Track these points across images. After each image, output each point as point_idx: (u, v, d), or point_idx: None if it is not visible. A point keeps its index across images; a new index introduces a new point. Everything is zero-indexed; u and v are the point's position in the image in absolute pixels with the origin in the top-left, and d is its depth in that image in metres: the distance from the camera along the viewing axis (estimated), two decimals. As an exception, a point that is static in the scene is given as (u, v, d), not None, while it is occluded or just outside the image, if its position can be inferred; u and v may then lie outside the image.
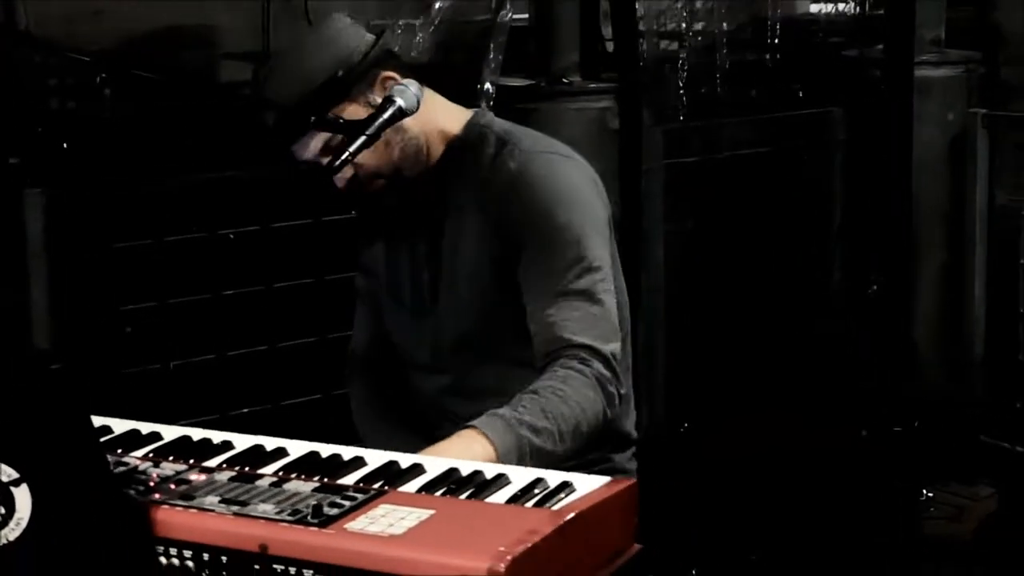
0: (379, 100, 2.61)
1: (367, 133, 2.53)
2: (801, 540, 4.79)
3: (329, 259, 4.28)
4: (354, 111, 2.63)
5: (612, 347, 2.59)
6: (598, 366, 2.53)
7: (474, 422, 2.38)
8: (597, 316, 2.59)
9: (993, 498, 5.16)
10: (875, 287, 5.37)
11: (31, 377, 1.71)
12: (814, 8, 5.79)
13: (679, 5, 4.83)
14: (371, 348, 2.98)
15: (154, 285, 4.05)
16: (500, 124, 2.77)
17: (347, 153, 2.50)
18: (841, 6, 5.68)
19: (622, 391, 2.61)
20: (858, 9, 5.50)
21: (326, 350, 4.26)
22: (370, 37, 2.69)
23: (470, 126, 2.75)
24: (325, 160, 2.63)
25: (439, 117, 2.74)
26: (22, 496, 1.74)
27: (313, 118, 2.60)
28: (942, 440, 5.20)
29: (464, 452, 2.24)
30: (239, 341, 4.21)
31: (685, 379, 4.95)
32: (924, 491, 5.07)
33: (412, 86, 2.61)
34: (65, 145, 3.95)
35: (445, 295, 2.74)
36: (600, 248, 2.64)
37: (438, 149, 2.74)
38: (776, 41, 5.11)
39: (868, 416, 5.14)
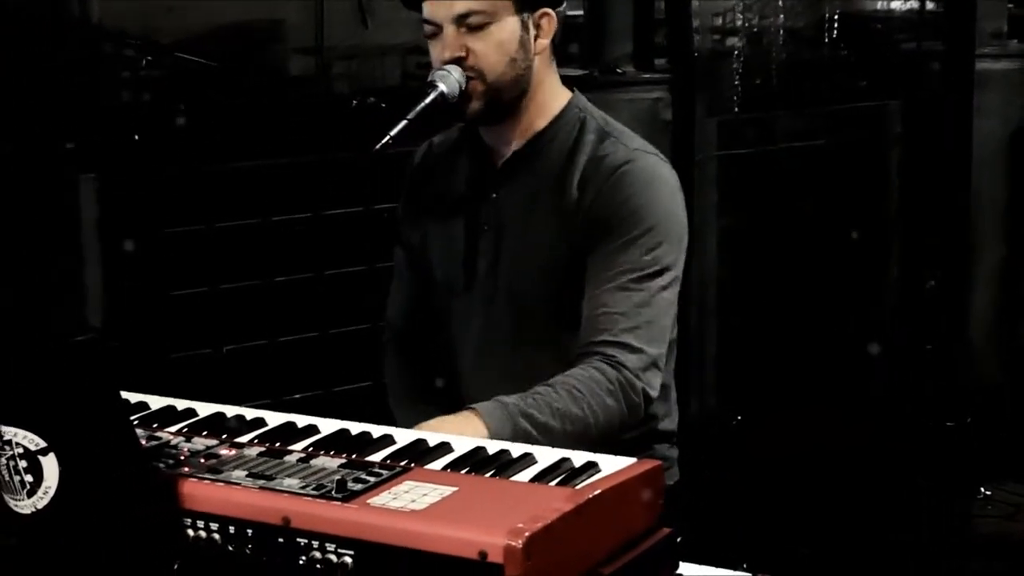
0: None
1: (408, 118, 2.54)
2: (851, 536, 4.77)
3: (380, 247, 4.29)
4: (507, 15, 2.61)
5: (656, 353, 2.57)
6: (629, 372, 2.52)
7: (477, 405, 2.38)
8: (650, 319, 2.58)
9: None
10: (932, 282, 5.33)
11: (58, 348, 1.73)
12: (871, 4, 5.75)
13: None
14: (412, 322, 2.95)
15: (205, 271, 4.09)
16: (598, 112, 2.75)
17: (388, 137, 2.51)
18: (899, 2, 5.63)
19: (653, 395, 2.58)
20: (918, 3, 5.45)
21: (377, 337, 4.26)
22: None
23: (570, 107, 2.73)
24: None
25: (550, 86, 2.73)
26: (50, 465, 1.76)
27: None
28: (998, 437, 5.15)
29: (457, 432, 2.22)
30: (290, 327, 4.24)
31: (737, 372, 4.93)
32: (982, 489, 5.02)
33: (455, 71, 2.61)
34: (136, 137, 3.99)
35: (504, 268, 2.71)
36: (675, 257, 2.63)
37: (538, 120, 2.71)
38: (834, 35, 5.08)
39: (922, 412, 5.12)
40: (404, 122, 2.54)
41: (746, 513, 4.47)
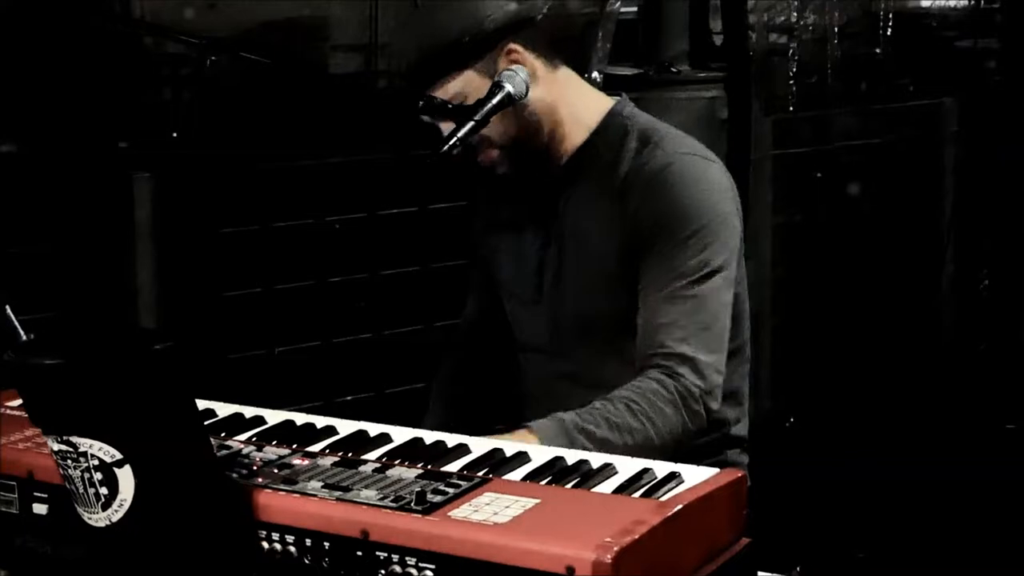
0: (504, 71, 2.57)
1: (475, 119, 2.51)
2: (908, 539, 4.72)
3: (435, 247, 4.28)
4: (477, 79, 2.58)
5: (714, 359, 2.53)
6: (688, 381, 2.48)
7: (532, 423, 2.35)
8: (705, 325, 2.54)
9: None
10: (987, 281, 5.28)
11: (135, 357, 1.70)
12: (925, 2, 5.69)
13: (789, -2, 4.78)
14: (479, 323, 2.96)
15: (260, 271, 4.06)
16: (643, 117, 2.71)
17: (455, 138, 2.48)
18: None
19: (714, 405, 2.53)
20: (972, 1, 5.39)
21: (431, 338, 4.25)
22: (512, 6, 2.62)
23: (612, 116, 2.69)
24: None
25: (574, 100, 2.68)
26: (125, 477, 1.73)
27: (421, 103, 2.58)
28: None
29: None
30: (344, 328, 4.21)
31: (791, 373, 4.89)
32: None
33: (521, 72, 2.58)
34: (175, 135, 3.97)
35: (569, 281, 2.69)
36: (725, 257, 2.57)
37: (575, 134, 2.68)
38: (888, 33, 5.03)
39: (980, 412, 5.06)
40: (471, 123, 2.51)
41: (800, 516, 4.42)
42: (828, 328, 4.97)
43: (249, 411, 2.26)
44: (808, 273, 4.91)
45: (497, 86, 2.56)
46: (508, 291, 2.84)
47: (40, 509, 1.99)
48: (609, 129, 2.68)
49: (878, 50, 5.08)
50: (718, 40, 4.82)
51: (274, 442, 2.07)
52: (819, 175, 4.90)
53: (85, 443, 1.71)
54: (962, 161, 5.28)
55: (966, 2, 5.50)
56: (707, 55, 4.74)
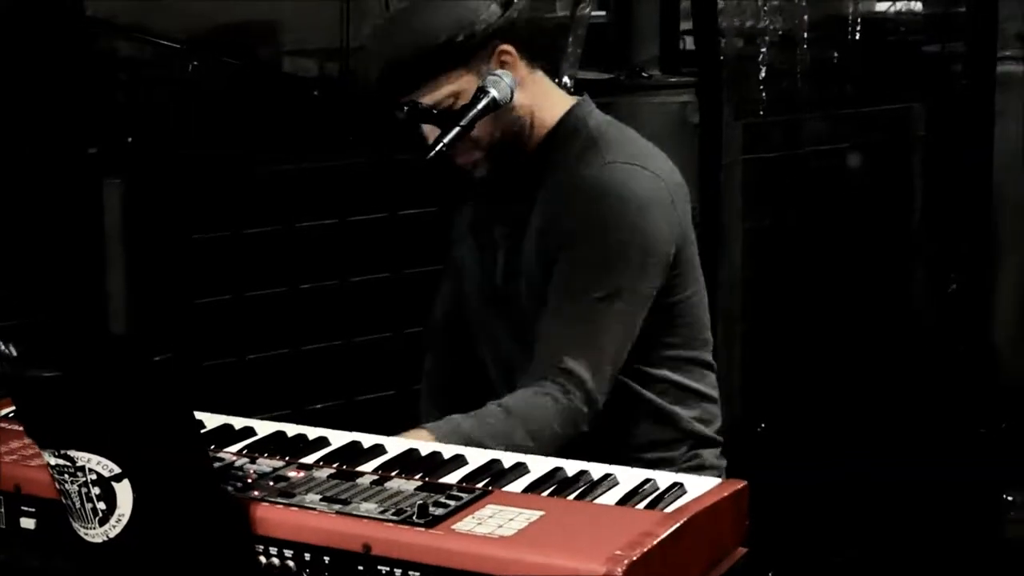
0: (489, 76, 2.55)
1: (461, 124, 2.49)
2: (880, 543, 4.73)
3: (405, 253, 4.24)
4: (468, 81, 2.56)
5: (605, 384, 2.51)
6: (578, 400, 2.47)
7: (430, 424, 2.34)
8: (601, 349, 2.52)
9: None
10: (955, 285, 5.28)
11: (136, 369, 1.67)
12: (887, 6, 5.70)
13: (759, 2, 4.76)
14: (447, 324, 2.93)
15: (231, 277, 4.02)
16: (596, 119, 2.68)
17: (441, 144, 2.46)
18: (911, 4, 5.58)
19: (585, 428, 2.51)
20: (941, 6, 5.41)
21: (401, 345, 4.23)
22: (495, 7, 2.60)
23: (567, 117, 2.67)
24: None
25: (543, 102, 2.66)
26: (123, 492, 1.69)
27: (406, 108, 2.55)
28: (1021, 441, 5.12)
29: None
30: (315, 335, 4.17)
31: (762, 379, 4.88)
32: (1004, 495, 4.99)
33: (506, 77, 2.56)
34: (130, 139, 3.91)
35: (515, 285, 2.68)
36: (634, 278, 2.54)
37: (537, 136, 2.66)
38: (857, 37, 5.03)
39: (949, 416, 5.07)
40: (457, 129, 2.49)
41: (773, 521, 4.41)
42: (798, 333, 4.96)
43: (238, 422, 2.23)
44: (778, 278, 4.90)
45: (482, 91, 2.54)
46: (468, 292, 2.83)
47: (28, 523, 1.96)
48: (561, 131, 2.66)
49: (846, 55, 5.08)
50: (689, 44, 4.81)
51: (266, 454, 2.04)
52: (789, 179, 4.89)
53: (83, 457, 1.68)
54: (929, 165, 5.28)
55: (933, 7, 5.51)
56: (678, 60, 4.73)
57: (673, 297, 2.63)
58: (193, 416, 1.73)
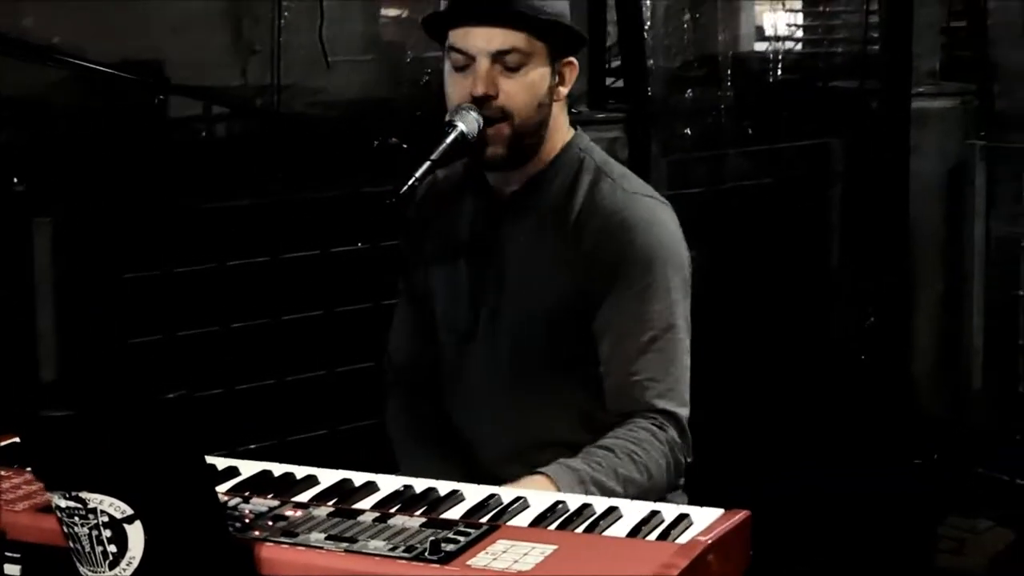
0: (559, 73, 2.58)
1: (431, 159, 2.47)
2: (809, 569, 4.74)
3: (336, 290, 4.21)
4: (542, 72, 2.56)
5: (687, 411, 2.55)
6: (672, 433, 2.50)
7: (546, 469, 2.32)
8: (678, 379, 2.54)
9: (992, 531, 5.13)
10: (872, 319, 5.34)
11: (150, 408, 1.62)
12: (753, 47, 5.80)
13: (685, 39, 4.81)
14: (415, 361, 2.84)
15: (163, 316, 3.95)
16: (598, 153, 2.68)
17: (413, 178, 2.43)
18: (788, 44, 5.68)
19: (689, 458, 2.56)
20: (860, 44, 5.50)
21: (337, 383, 4.20)
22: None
23: (570, 146, 2.65)
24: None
25: (560, 124, 2.65)
26: (135, 533, 1.65)
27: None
28: (941, 472, 5.18)
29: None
30: (246, 374, 4.12)
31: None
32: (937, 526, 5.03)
33: (472, 111, 2.54)
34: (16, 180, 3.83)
35: (507, 317, 2.63)
36: (684, 306, 2.59)
37: (545, 155, 2.64)
38: (779, 74, 5.11)
39: (873, 449, 5.12)
40: (428, 163, 2.47)
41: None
42: (721, 367, 4.98)
43: (221, 462, 2.18)
44: (703, 311, 4.92)
45: (450, 125, 2.52)
46: (441, 322, 2.76)
47: (12, 570, 1.90)
48: (566, 158, 2.64)
49: (770, 91, 5.14)
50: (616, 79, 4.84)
51: (257, 493, 2.00)
52: (713, 214, 4.92)
53: (95, 499, 1.63)
54: (847, 200, 5.35)
55: (849, 45, 5.59)
56: (606, 96, 4.76)
57: None
58: (203, 456, 1.69)
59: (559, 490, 2.23)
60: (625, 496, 2.30)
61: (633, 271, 2.53)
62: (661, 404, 2.49)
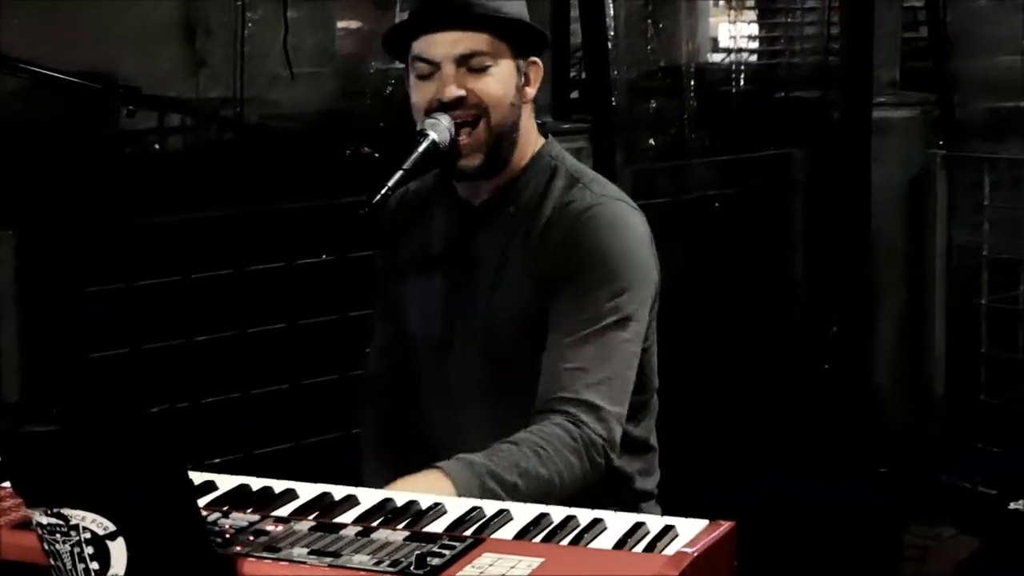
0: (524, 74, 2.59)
1: (404, 168, 2.46)
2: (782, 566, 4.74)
3: (302, 303, 4.19)
4: (506, 66, 2.56)
5: (618, 410, 2.47)
6: (590, 431, 2.42)
7: (442, 463, 2.28)
8: (612, 374, 2.48)
9: (956, 539, 5.15)
10: (835, 328, 5.36)
11: (133, 423, 1.60)
12: (716, 57, 5.82)
13: (649, 48, 4.81)
14: (389, 374, 2.84)
15: (126, 330, 3.91)
16: (570, 159, 2.68)
17: (386, 188, 2.42)
18: (792, 58, 5.71)
19: (613, 456, 2.46)
20: (822, 54, 5.52)
21: (302, 396, 4.17)
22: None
23: (542, 154, 2.66)
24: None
25: (529, 128, 2.65)
26: (118, 550, 1.62)
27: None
28: (905, 481, 5.20)
29: (425, 491, 2.12)
30: (214, 387, 4.08)
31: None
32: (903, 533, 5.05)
33: (444, 119, 2.53)
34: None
35: (481, 323, 2.62)
36: (639, 307, 2.53)
37: (516, 162, 2.63)
38: (741, 84, 5.12)
39: (838, 458, 5.13)
40: (400, 172, 2.46)
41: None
42: (683, 377, 4.98)
43: (197, 476, 2.15)
44: (665, 319, 4.92)
45: (421, 134, 2.51)
46: (415, 335, 2.75)
47: (-16, 589, 1.87)
48: (538, 166, 2.64)
49: (734, 100, 5.16)
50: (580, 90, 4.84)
51: (236, 508, 1.98)
52: (676, 224, 4.93)
53: (77, 515, 1.60)
54: (809, 210, 5.37)
55: (810, 56, 5.61)
56: (570, 107, 4.75)
57: (645, 343, 2.61)
58: (187, 472, 1.67)
59: (454, 483, 2.21)
60: (526, 490, 2.27)
61: (589, 263, 2.51)
62: (586, 395, 2.43)
